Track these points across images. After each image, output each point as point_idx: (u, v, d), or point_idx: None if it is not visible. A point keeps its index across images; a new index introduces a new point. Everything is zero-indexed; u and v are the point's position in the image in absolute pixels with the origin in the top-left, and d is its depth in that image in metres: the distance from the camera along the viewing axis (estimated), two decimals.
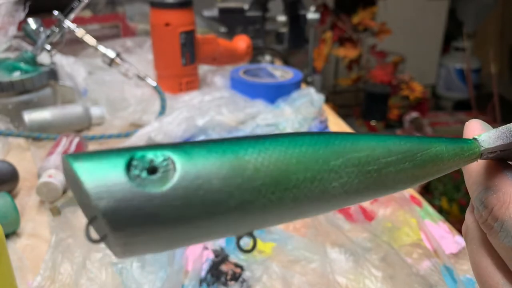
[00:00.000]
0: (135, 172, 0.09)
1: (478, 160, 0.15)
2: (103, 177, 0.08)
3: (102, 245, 0.33)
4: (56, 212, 0.35)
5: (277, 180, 0.10)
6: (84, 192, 0.08)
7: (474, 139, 0.15)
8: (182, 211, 0.09)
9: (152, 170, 0.09)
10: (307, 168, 0.11)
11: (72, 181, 0.09)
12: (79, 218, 0.35)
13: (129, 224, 0.09)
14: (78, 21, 0.67)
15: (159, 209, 0.09)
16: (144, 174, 0.09)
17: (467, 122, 0.16)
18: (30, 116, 0.48)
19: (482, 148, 0.14)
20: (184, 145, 0.10)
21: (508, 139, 0.14)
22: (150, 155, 0.09)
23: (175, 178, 0.09)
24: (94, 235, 0.09)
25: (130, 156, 0.09)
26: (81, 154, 0.09)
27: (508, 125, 0.14)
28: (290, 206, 0.11)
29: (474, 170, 0.15)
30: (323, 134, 0.12)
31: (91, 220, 0.09)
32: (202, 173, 0.09)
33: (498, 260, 0.15)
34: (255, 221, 0.10)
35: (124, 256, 0.09)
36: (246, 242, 0.33)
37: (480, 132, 0.15)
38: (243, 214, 0.10)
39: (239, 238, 0.11)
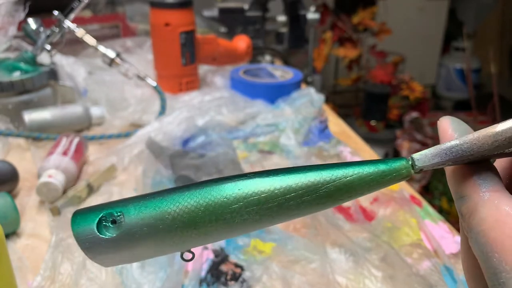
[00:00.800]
0: (105, 223, 0.16)
1: (414, 174, 0.15)
2: (83, 231, 0.16)
3: None
4: (56, 212, 0.35)
5: (188, 223, 0.15)
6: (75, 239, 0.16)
7: (411, 157, 0.15)
8: (127, 245, 0.16)
9: (114, 221, 0.16)
10: (212, 213, 0.15)
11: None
12: None
13: (99, 255, 0.16)
14: (78, 21, 0.67)
15: (115, 245, 0.16)
16: (109, 224, 0.16)
17: (438, 121, 0.16)
18: (30, 116, 0.48)
19: (416, 167, 0.15)
20: (133, 203, 0.16)
21: (447, 157, 0.14)
22: (113, 212, 0.16)
23: (123, 227, 0.15)
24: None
25: (101, 214, 0.16)
26: (78, 213, 0.16)
27: (449, 142, 0.15)
28: (201, 238, 0.16)
29: (450, 178, 0.15)
30: (231, 178, 0.15)
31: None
32: (138, 223, 0.15)
33: (476, 263, 0.14)
34: (176, 247, 0.16)
35: (106, 266, 0.16)
36: (245, 242, 0.33)
37: (451, 131, 0.15)
38: (167, 245, 0.16)
39: (182, 253, 0.17)
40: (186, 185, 0.16)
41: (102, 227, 0.15)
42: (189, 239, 0.15)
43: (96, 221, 0.15)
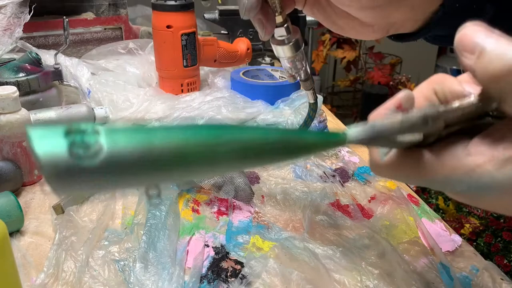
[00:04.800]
0: (75, 150, 0.12)
1: (347, 144, 0.20)
2: (51, 156, 0.12)
3: (105, 243, 0.34)
4: (59, 210, 0.36)
5: (176, 158, 0.14)
6: (36, 158, 0.12)
7: (343, 133, 0.20)
8: (102, 175, 0.13)
9: (86, 147, 0.13)
10: (198, 151, 0.15)
11: (31, 149, 0.13)
12: (82, 216, 0.36)
13: (63, 181, 0.13)
14: (82, 23, 0.68)
15: (87, 175, 0.13)
16: (81, 151, 0.13)
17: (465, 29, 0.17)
18: (36, 116, 0.49)
19: (348, 140, 0.19)
20: (113, 130, 0.13)
21: (369, 134, 0.19)
22: (86, 138, 0.13)
23: (101, 157, 0.13)
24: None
25: (73, 137, 0.13)
26: (39, 128, 0.13)
27: (372, 122, 0.19)
28: (186, 173, 0.15)
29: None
30: (219, 125, 0.16)
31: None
32: (121, 153, 0.13)
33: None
34: (158, 181, 0.15)
35: (60, 194, 0.14)
36: (245, 239, 0.34)
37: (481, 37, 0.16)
38: (147, 177, 0.14)
39: (147, 189, 0.16)
40: (177, 125, 0.16)
41: (73, 154, 0.12)
42: (172, 174, 0.15)
43: (67, 144, 0.12)
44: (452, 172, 0.18)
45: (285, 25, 0.28)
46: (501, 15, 0.27)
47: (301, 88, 0.32)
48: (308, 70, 0.32)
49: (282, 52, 0.30)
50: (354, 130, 0.20)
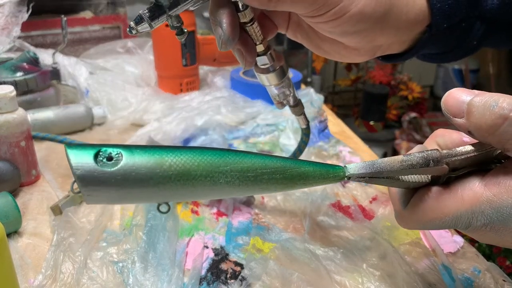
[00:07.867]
0: (100, 158, 0.16)
1: (346, 179, 0.20)
2: (80, 159, 0.16)
3: (103, 244, 0.34)
4: (57, 211, 0.36)
5: (182, 173, 0.17)
6: (71, 166, 0.16)
7: (345, 166, 0.20)
8: (121, 183, 0.16)
9: (110, 158, 0.16)
10: (203, 169, 0.17)
11: (68, 161, 0.16)
12: (80, 217, 0.36)
13: (91, 187, 0.16)
14: (80, 22, 0.67)
15: (109, 181, 0.16)
16: (105, 160, 0.16)
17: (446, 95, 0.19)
18: (34, 116, 0.48)
19: (348, 173, 0.20)
20: (132, 147, 0.17)
21: (369, 169, 0.20)
22: (109, 150, 0.17)
23: (120, 165, 0.16)
24: (76, 189, 0.17)
25: (98, 149, 0.16)
26: (74, 145, 0.16)
27: (373, 160, 0.20)
28: (190, 189, 0.17)
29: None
30: (223, 149, 0.18)
31: (74, 181, 0.16)
32: (136, 164, 0.16)
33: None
34: (166, 196, 0.17)
35: (90, 203, 0.17)
36: (245, 240, 0.33)
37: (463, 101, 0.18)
38: (158, 190, 0.17)
39: (159, 205, 0.18)
40: (185, 146, 0.18)
41: (98, 161, 0.16)
42: (178, 190, 0.17)
43: (93, 153, 0.16)
44: (472, 204, 0.18)
45: (268, 53, 0.27)
46: (491, 33, 0.27)
47: (292, 113, 0.32)
48: (297, 95, 0.31)
49: (267, 80, 0.28)
50: (354, 165, 0.20)
